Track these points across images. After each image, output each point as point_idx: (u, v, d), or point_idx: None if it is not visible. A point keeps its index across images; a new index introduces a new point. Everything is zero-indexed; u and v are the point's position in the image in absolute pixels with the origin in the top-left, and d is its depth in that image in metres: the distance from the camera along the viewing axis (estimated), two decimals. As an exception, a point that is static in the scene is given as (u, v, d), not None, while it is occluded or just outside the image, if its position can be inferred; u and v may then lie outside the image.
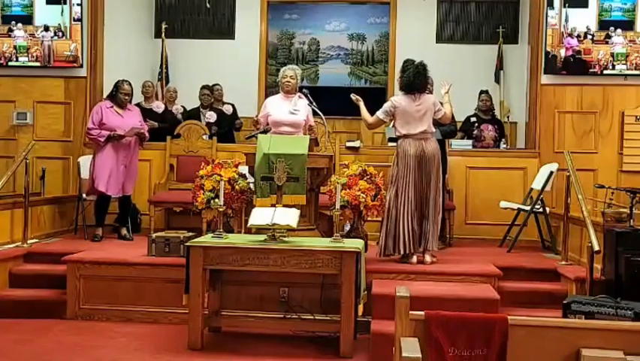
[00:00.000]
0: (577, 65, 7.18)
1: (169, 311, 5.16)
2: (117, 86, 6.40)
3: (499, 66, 9.03)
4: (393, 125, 5.52)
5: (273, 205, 4.79)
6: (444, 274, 5.11)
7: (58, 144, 7.52)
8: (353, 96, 5.66)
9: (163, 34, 9.20)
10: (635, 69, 7.15)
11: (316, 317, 4.80)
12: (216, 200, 4.96)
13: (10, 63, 7.56)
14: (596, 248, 4.66)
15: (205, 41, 9.46)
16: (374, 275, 5.03)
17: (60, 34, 7.51)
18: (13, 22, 7.58)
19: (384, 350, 3.93)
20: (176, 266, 5.03)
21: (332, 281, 4.66)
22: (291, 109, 5.70)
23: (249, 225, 4.70)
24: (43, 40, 7.52)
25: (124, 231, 6.53)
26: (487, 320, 3.05)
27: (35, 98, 7.56)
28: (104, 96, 6.98)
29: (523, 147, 7.83)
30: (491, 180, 7.06)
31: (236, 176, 5.36)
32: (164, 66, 9.15)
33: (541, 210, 6.33)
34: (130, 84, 6.47)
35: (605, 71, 7.17)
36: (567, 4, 7.18)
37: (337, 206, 4.78)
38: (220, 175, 5.23)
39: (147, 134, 6.54)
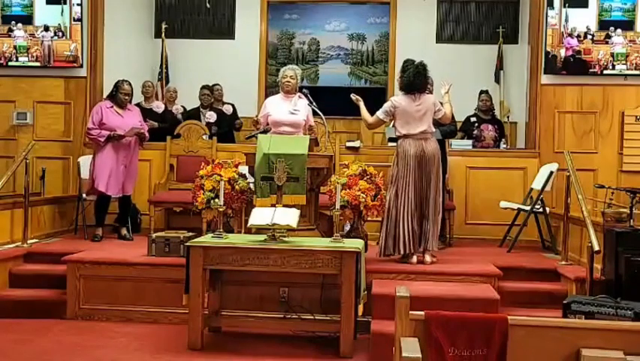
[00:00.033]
0: (577, 65, 7.18)
1: (169, 311, 5.16)
2: (117, 86, 6.40)
3: (499, 66, 9.03)
4: (394, 125, 5.52)
5: (273, 205, 4.79)
6: (444, 274, 5.11)
7: (58, 144, 7.52)
8: (353, 96, 5.67)
9: (163, 34, 9.20)
10: (635, 69, 7.15)
11: (316, 317, 4.80)
12: (216, 200, 4.96)
13: (10, 63, 7.57)
14: (596, 248, 4.66)
15: (205, 41, 9.46)
16: (374, 275, 5.03)
17: (60, 34, 7.51)
18: (13, 22, 7.58)
19: (384, 350, 3.93)
20: (176, 266, 5.03)
21: (332, 281, 4.66)
22: (291, 109, 5.70)
23: (249, 225, 4.70)
24: (43, 40, 7.52)
25: (124, 231, 6.53)
26: (487, 319, 3.05)
27: (35, 98, 7.56)
28: (104, 96, 6.98)
29: (523, 147, 7.83)
30: (491, 180, 7.06)
31: (236, 176, 5.36)
32: (164, 66, 9.15)
33: (541, 210, 6.33)
34: (130, 84, 6.47)
35: (605, 71, 7.17)
36: (567, 4, 7.18)
37: (337, 206, 4.78)
38: (220, 175, 5.23)
39: (147, 135, 6.54)
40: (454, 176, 7.04)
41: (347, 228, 5.53)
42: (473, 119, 7.61)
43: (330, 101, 8.01)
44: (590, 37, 7.19)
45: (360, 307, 4.43)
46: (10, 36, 7.56)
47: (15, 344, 4.61)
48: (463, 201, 7.07)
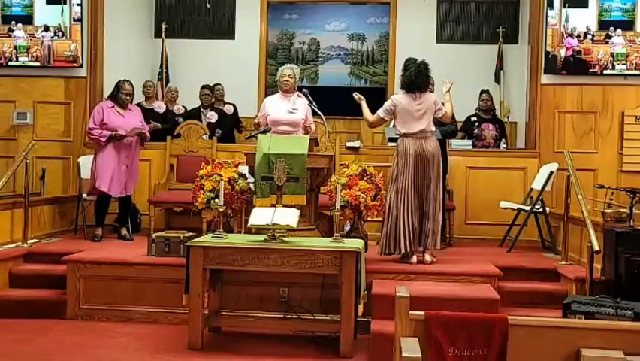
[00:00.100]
0: (577, 65, 7.18)
1: (169, 311, 5.16)
2: (118, 86, 6.40)
3: (499, 66, 9.03)
4: (394, 124, 5.52)
5: (273, 205, 4.79)
6: (444, 274, 5.11)
7: (58, 144, 7.52)
8: (355, 95, 5.67)
9: (163, 34, 9.20)
10: (635, 69, 7.15)
11: (316, 317, 4.80)
12: (216, 200, 4.96)
13: (10, 63, 7.57)
14: (596, 248, 4.66)
15: (205, 41, 9.46)
16: (374, 275, 5.03)
17: (60, 34, 7.51)
18: (13, 22, 7.58)
19: (384, 350, 3.93)
20: (176, 266, 5.03)
21: (332, 281, 4.66)
22: (289, 108, 5.70)
23: (249, 225, 4.70)
24: (43, 40, 7.53)
25: (124, 231, 6.53)
26: (487, 319, 3.05)
27: (35, 98, 7.56)
28: (104, 96, 6.99)
29: (523, 147, 7.83)
30: (491, 180, 7.06)
31: (236, 176, 5.36)
32: (164, 66, 9.15)
33: (541, 210, 6.33)
34: (131, 84, 6.47)
35: (605, 71, 7.18)
36: (567, 4, 7.18)
37: (337, 206, 4.78)
38: (220, 175, 5.23)
39: (148, 135, 6.54)
40: (454, 176, 7.04)
41: (347, 228, 5.53)
42: (474, 118, 7.61)
43: (330, 101, 8.01)
44: (590, 37, 7.19)
45: (360, 307, 4.43)
46: (10, 36, 7.57)
47: (15, 344, 4.61)
48: (463, 201, 7.07)
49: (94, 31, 7.50)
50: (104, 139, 6.22)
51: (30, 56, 7.54)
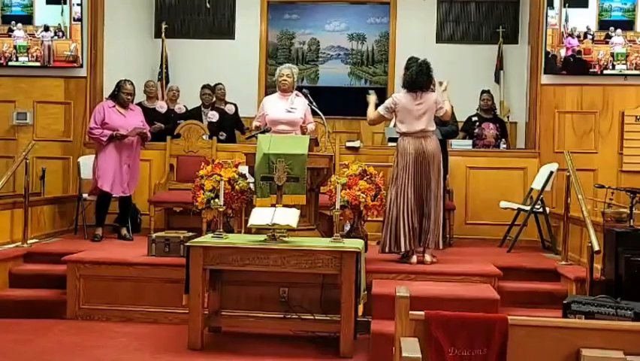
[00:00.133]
0: (577, 65, 7.18)
1: (169, 311, 5.16)
2: (119, 85, 6.41)
3: (499, 66, 9.04)
4: (394, 124, 5.52)
5: (273, 205, 4.79)
6: (444, 274, 5.11)
7: (58, 144, 7.52)
8: (370, 92, 5.66)
9: (163, 34, 9.20)
10: (635, 69, 7.15)
11: (316, 317, 4.80)
12: (216, 200, 4.96)
13: (10, 63, 7.57)
14: (596, 248, 4.66)
15: (205, 41, 9.46)
16: (374, 275, 5.03)
17: (60, 34, 7.51)
18: (13, 22, 7.58)
19: (384, 350, 3.93)
20: (176, 266, 5.03)
21: (332, 281, 4.66)
22: (287, 107, 5.72)
23: (249, 225, 4.70)
24: (43, 40, 7.52)
25: (124, 231, 6.53)
26: (487, 320, 3.05)
27: (35, 98, 7.56)
28: (105, 96, 6.99)
29: (523, 147, 7.83)
30: (491, 180, 7.06)
31: (236, 176, 5.36)
32: (164, 66, 9.16)
33: (541, 210, 6.32)
34: (132, 84, 6.48)
35: (605, 71, 7.18)
36: (567, 4, 7.18)
37: (337, 206, 4.78)
38: (220, 175, 5.23)
39: (149, 135, 6.54)
40: (454, 176, 7.04)
41: (347, 228, 5.53)
42: (475, 118, 7.61)
43: (330, 101, 8.02)
44: (590, 37, 7.19)
45: (360, 307, 4.43)
46: (10, 36, 7.57)
47: (15, 344, 4.61)
48: (463, 201, 7.07)
49: (94, 31, 7.50)
50: (105, 139, 6.22)
51: (30, 56, 7.54)
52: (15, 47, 7.55)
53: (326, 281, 4.76)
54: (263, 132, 5.52)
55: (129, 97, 6.44)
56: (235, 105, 8.14)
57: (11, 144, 7.54)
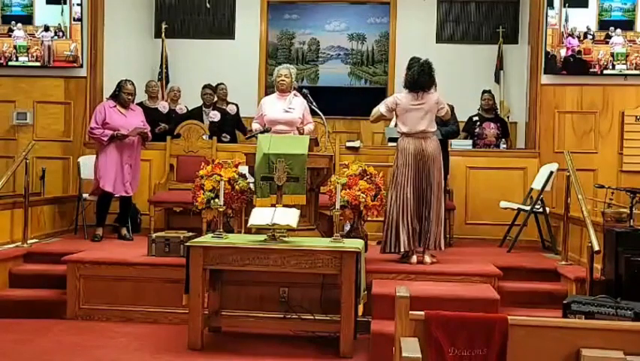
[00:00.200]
0: (577, 65, 7.18)
1: (169, 311, 5.16)
2: (120, 85, 6.41)
3: (499, 66, 9.04)
4: (395, 124, 5.52)
5: (273, 205, 4.79)
6: (444, 274, 5.11)
7: (58, 144, 7.52)
8: None
9: (163, 34, 9.20)
10: (635, 69, 7.15)
11: (316, 317, 4.80)
12: (216, 200, 4.96)
13: (10, 63, 7.57)
14: (596, 248, 4.66)
15: (205, 41, 9.47)
16: (374, 275, 5.03)
17: (60, 34, 7.51)
18: (13, 22, 7.58)
19: (384, 350, 3.93)
20: (176, 266, 5.03)
21: (332, 281, 4.66)
22: (285, 107, 5.72)
23: (249, 225, 4.70)
24: (43, 40, 7.53)
25: (124, 231, 6.53)
26: (487, 320, 3.05)
27: (35, 98, 7.56)
28: (105, 96, 6.99)
29: (523, 147, 7.83)
30: (491, 180, 7.06)
31: (236, 176, 5.36)
32: (164, 66, 9.16)
33: (541, 210, 6.32)
34: (133, 84, 6.48)
35: (605, 71, 7.18)
36: (567, 4, 7.18)
37: (337, 206, 4.78)
38: (220, 175, 5.23)
39: (150, 135, 6.55)
40: (454, 176, 7.04)
41: (347, 228, 5.53)
42: (475, 118, 7.61)
43: (330, 101, 8.02)
44: (590, 37, 7.20)
45: (360, 307, 4.43)
46: (10, 36, 7.57)
47: (15, 344, 4.61)
48: (463, 201, 7.07)
49: (94, 31, 7.50)
50: (105, 138, 6.22)
51: (30, 56, 7.54)
52: (15, 47, 7.55)
53: (326, 281, 4.76)
54: (263, 132, 5.52)
55: (130, 97, 6.44)
56: (237, 105, 8.14)
57: (11, 144, 7.54)
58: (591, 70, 7.18)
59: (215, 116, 7.73)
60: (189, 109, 7.99)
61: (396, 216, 5.28)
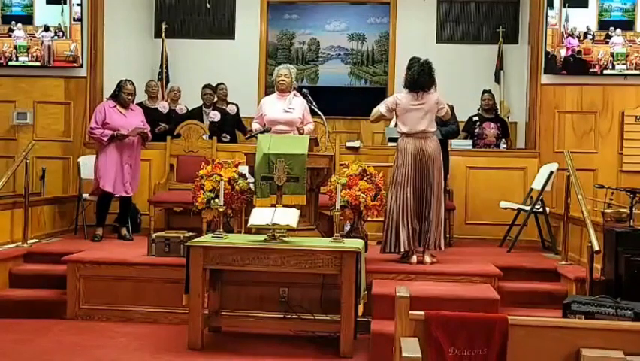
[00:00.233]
0: (577, 65, 7.18)
1: (169, 311, 5.16)
2: (120, 85, 6.41)
3: (499, 66, 9.04)
4: (395, 124, 5.52)
5: (273, 205, 4.79)
6: (444, 274, 5.11)
7: (58, 144, 7.52)
8: None
9: (163, 34, 9.20)
10: (635, 69, 7.15)
11: (316, 317, 4.80)
12: (216, 200, 4.96)
13: (10, 63, 7.57)
14: (596, 248, 4.66)
15: (205, 41, 9.47)
16: (374, 275, 5.03)
17: (60, 34, 7.51)
18: (13, 22, 7.58)
19: (384, 350, 3.93)
20: (176, 266, 5.03)
21: (332, 281, 4.66)
22: (285, 107, 5.72)
23: (249, 225, 4.70)
24: (43, 40, 7.53)
25: (124, 231, 6.53)
26: (487, 320, 3.05)
27: (35, 98, 7.56)
28: (105, 96, 6.99)
29: (523, 147, 7.83)
30: (491, 180, 7.06)
31: (236, 176, 5.36)
32: (164, 66, 9.16)
33: (541, 210, 6.32)
34: (133, 84, 6.48)
35: (605, 71, 7.18)
36: (567, 4, 7.18)
37: (337, 206, 4.78)
38: (220, 175, 5.23)
39: (150, 135, 6.55)
40: (454, 176, 7.04)
41: (347, 228, 5.53)
42: (475, 118, 7.61)
43: (330, 101, 8.02)
44: (590, 37, 7.20)
45: (360, 307, 4.43)
46: (10, 36, 7.57)
47: (15, 344, 4.61)
48: (463, 201, 7.07)
49: (94, 31, 7.50)
50: (105, 138, 6.22)
51: (30, 56, 7.54)
52: (15, 47, 7.55)
53: (326, 281, 4.76)
54: (263, 132, 5.52)
55: (130, 97, 6.44)
56: (237, 105, 8.14)
57: (11, 144, 7.54)
58: (591, 70, 7.18)
59: (215, 116, 7.73)
60: (189, 109, 7.99)
61: (396, 216, 5.28)
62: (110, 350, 4.51)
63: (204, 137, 7.39)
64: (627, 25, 7.20)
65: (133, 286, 5.24)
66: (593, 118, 7.20)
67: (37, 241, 6.20)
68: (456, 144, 7.19)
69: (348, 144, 7.35)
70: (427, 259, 5.33)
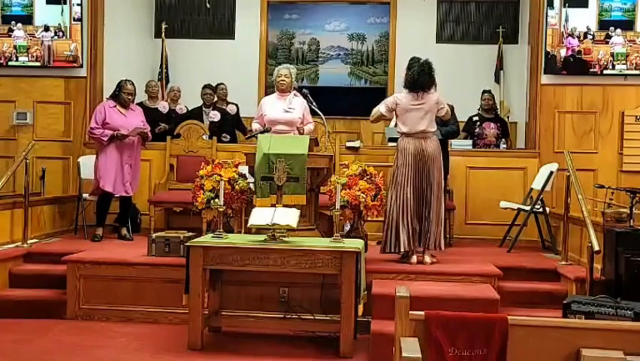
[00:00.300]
0: (577, 65, 7.18)
1: (169, 311, 5.16)
2: (120, 85, 6.41)
3: (499, 66, 9.04)
4: (395, 124, 5.52)
5: (273, 205, 4.79)
6: (444, 274, 5.11)
7: (58, 144, 7.53)
8: None
9: (163, 34, 9.21)
10: (635, 69, 7.15)
11: (316, 317, 4.80)
12: (216, 200, 4.96)
13: (10, 63, 7.57)
14: (596, 248, 4.66)
15: (205, 41, 9.47)
16: (374, 275, 5.03)
17: (60, 34, 7.51)
18: (13, 22, 7.58)
19: (384, 350, 3.93)
20: (176, 266, 5.03)
21: (332, 281, 4.66)
22: (285, 107, 5.72)
23: (249, 225, 4.70)
24: (43, 40, 7.53)
25: (124, 231, 6.53)
26: (487, 320, 3.05)
27: (35, 98, 7.56)
28: (105, 96, 6.99)
29: (523, 147, 7.83)
30: (491, 180, 7.06)
31: (236, 176, 5.36)
32: (164, 66, 9.16)
33: (541, 210, 6.32)
34: (133, 84, 6.48)
35: (605, 71, 7.18)
36: (567, 4, 7.18)
37: (337, 206, 4.78)
38: (220, 175, 5.23)
39: (150, 135, 6.55)
40: (454, 176, 7.04)
41: (347, 228, 5.53)
42: (475, 118, 7.61)
43: (330, 101, 8.01)
44: (590, 37, 7.20)
45: (360, 307, 4.43)
46: (10, 36, 7.57)
47: (15, 344, 4.61)
48: (463, 201, 7.07)
49: (94, 31, 7.50)
50: (105, 138, 6.22)
51: (30, 55, 7.54)
52: (15, 47, 7.55)
53: (326, 281, 4.76)
54: (263, 132, 5.52)
55: (130, 97, 6.45)
56: (237, 105, 8.14)
57: (11, 144, 7.54)
58: (591, 70, 7.18)
59: (215, 116, 7.73)
60: (189, 109, 7.99)
61: (396, 216, 5.28)
62: (110, 350, 4.51)
63: (204, 137, 7.39)
64: (627, 25, 7.20)
65: (133, 286, 5.24)
66: (593, 118, 7.21)
67: (37, 241, 6.20)
68: (456, 144, 7.19)
69: (348, 144, 7.35)
70: (427, 259, 5.33)
